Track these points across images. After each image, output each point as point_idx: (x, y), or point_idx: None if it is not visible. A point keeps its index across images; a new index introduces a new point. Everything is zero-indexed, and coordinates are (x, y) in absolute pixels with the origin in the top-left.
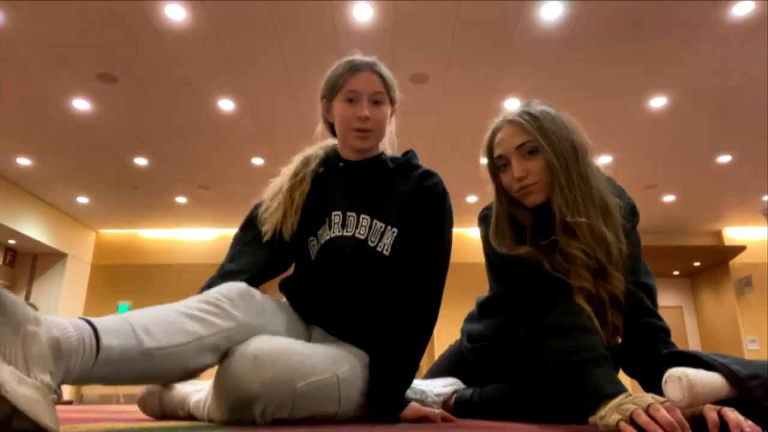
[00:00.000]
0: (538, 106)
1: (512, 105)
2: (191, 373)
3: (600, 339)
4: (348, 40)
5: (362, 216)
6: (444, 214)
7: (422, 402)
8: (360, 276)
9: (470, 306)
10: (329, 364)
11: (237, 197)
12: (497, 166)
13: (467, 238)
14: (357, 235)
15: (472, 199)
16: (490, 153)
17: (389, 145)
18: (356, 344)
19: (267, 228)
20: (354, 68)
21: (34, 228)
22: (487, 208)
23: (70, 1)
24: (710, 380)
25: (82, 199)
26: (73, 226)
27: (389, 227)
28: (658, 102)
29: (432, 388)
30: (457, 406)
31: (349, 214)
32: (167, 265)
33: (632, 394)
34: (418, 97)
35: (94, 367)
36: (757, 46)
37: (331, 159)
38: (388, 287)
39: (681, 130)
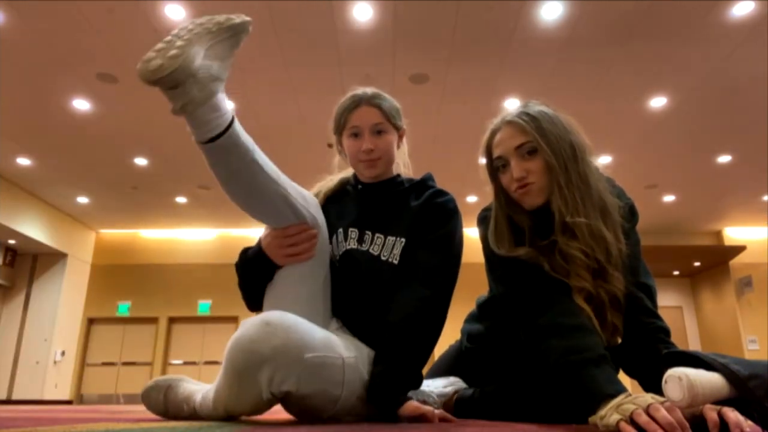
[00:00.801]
0: (537, 107)
1: (512, 105)
2: (267, 212)
3: (600, 339)
4: (348, 40)
5: (377, 235)
6: (455, 228)
7: (423, 402)
8: (372, 284)
9: (470, 306)
10: (337, 347)
11: None
12: (496, 167)
13: (467, 238)
14: (371, 250)
15: (472, 199)
16: (488, 154)
17: (404, 167)
18: (367, 341)
19: None
20: (354, 104)
21: (34, 228)
22: (486, 209)
23: (70, 1)
24: (710, 380)
25: (82, 199)
26: (73, 226)
27: (398, 238)
28: (658, 102)
29: (433, 388)
30: (457, 406)
31: (365, 231)
32: (167, 265)
33: (632, 394)
34: (418, 97)
35: (222, 136)
36: (757, 46)
37: (350, 182)
38: (397, 291)
39: (681, 130)
